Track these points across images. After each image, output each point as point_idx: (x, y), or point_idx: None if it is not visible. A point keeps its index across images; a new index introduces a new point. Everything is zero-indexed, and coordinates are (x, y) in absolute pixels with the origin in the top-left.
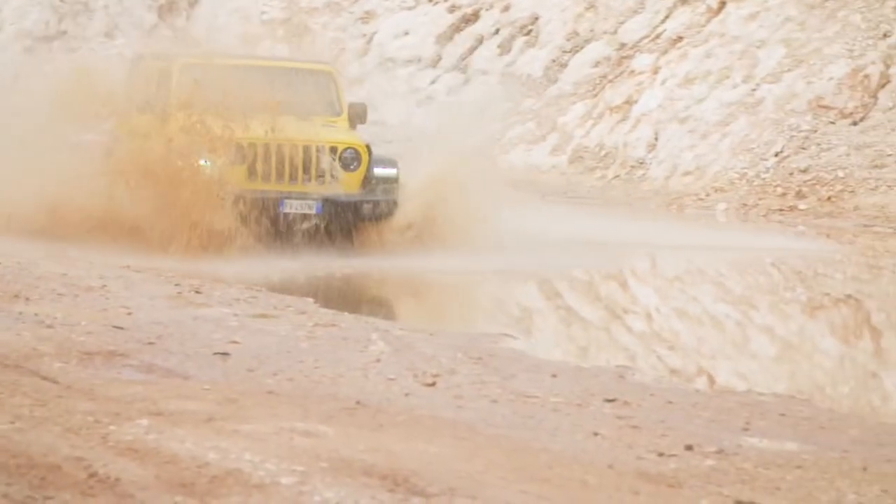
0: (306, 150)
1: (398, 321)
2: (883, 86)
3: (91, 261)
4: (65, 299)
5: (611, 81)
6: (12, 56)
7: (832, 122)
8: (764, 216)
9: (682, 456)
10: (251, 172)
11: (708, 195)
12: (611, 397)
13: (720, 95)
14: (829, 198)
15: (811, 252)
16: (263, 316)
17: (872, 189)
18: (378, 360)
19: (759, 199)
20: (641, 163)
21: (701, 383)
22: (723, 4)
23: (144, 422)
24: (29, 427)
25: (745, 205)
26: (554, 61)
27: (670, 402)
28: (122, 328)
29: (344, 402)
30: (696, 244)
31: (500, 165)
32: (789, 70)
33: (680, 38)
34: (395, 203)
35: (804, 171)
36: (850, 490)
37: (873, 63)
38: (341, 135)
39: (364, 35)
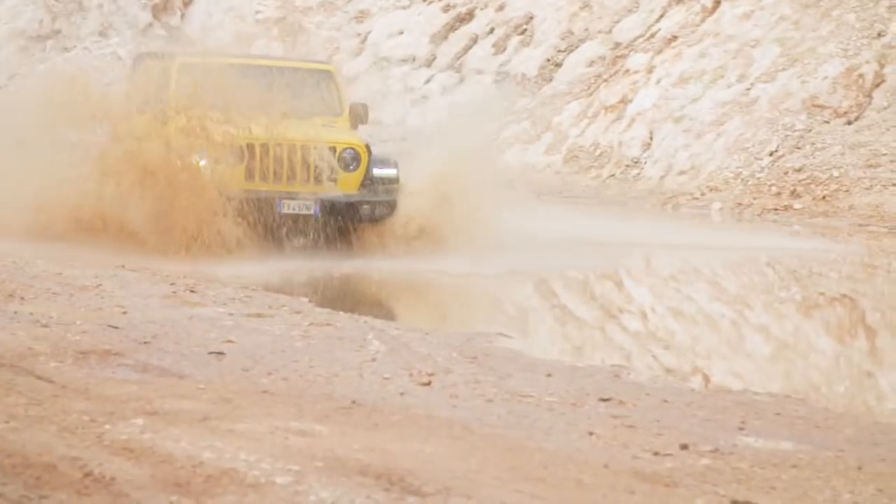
0: (305, 150)
1: (394, 321)
2: (877, 85)
3: (86, 260)
4: (60, 298)
5: (605, 81)
6: (6, 55)
7: (827, 122)
8: (759, 215)
9: (678, 455)
10: (249, 173)
11: (703, 194)
12: (606, 397)
13: (715, 95)
14: (823, 197)
15: (806, 251)
16: (258, 315)
17: (867, 188)
18: (373, 360)
19: (754, 198)
20: (636, 162)
21: (696, 382)
22: (717, 4)
23: (140, 421)
24: (24, 426)
25: (739, 204)
26: (548, 60)
27: (666, 402)
28: (117, 327)
29: (339, 401)
30: (691, 244)
31: (497, 165)
32: (784, 69)
33: (674, 38)
34: (394, 204)
35: (799, 170)
36: (845, 489)
37: (868, 62)
38: (340, 135)
39: (358, 34)
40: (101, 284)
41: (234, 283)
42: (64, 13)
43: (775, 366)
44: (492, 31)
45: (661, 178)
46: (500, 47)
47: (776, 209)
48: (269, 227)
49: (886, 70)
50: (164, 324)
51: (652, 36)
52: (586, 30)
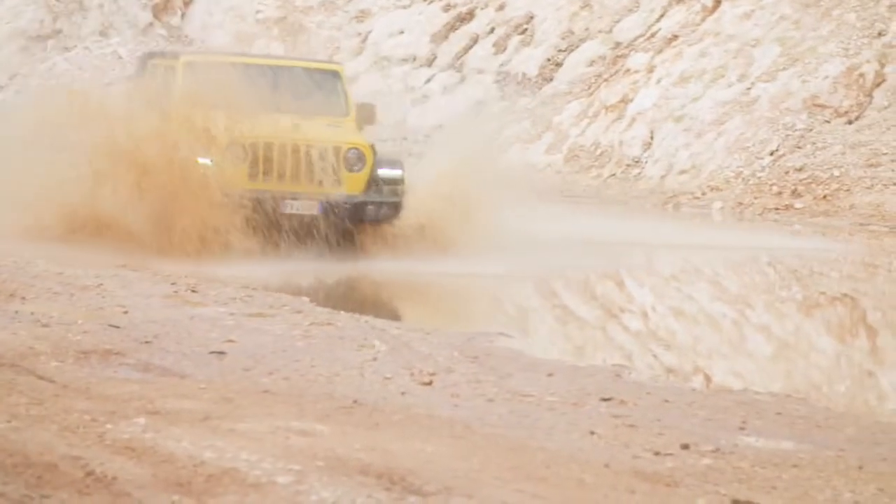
0: (309, 149)
1: (395, 321)
2: (878, 84)
3: (87, 260)
4: (61, 298)
5: (606, 80)
6: (7, 55)
7: (827, 121)
8: (760, 215)
9: (679, 455)
10: (253, 172)
11: (704, 194)
12: (607, 396)
13: (715, 94)
14: (824, 196)
15: (807, 251)
16: (259, 315)
17: (868, 188)
18: (374, 359)
19: (755, 197)
20: (637, 161)
21: (697, 382)
22: (718, 3)
23: (141, 420)
24: (25, 426)
25: (740, 203)
26: (549, 60)
27: (667, 401)
28: (118, 327)
29: (340, 400)
30: (693, 243)
31: (499, 165)
32: (784, 69)
33: (675, 37)
34: (399, 205)
35: (800, 169)
36: (846, 489)
37: (868, 62)
38: (345, 135)
39: (359, 34)
40: (102, 284)
41: (235, 282)
42: (65, 13)
43: (776, 365)
44: (492, 30)
45: (662, 177)
46: (500, 47)
47: (777, 208)
48: (273, 227)
49: (887, 69)
50: (166, 323)
51: (652, 35)
52: (587, 29)
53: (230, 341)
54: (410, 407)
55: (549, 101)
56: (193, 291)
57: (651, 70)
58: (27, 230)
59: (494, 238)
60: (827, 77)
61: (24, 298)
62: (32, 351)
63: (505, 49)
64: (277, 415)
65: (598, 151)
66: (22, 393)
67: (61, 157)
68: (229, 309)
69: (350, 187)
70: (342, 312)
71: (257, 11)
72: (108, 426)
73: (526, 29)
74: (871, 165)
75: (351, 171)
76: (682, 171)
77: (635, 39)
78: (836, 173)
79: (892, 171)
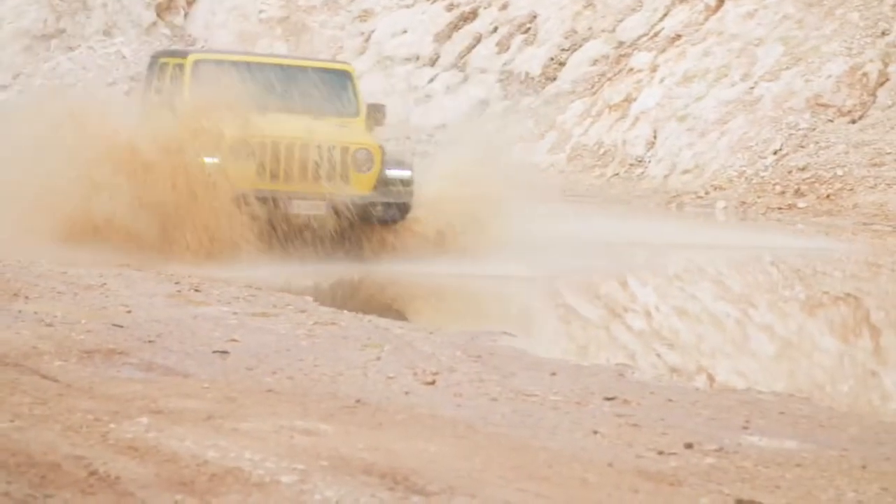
0: (317, 149)
1: (398, 320)
2: (881, 84)
3: (91, 260)
4: (64, 297)
5: (609, 80)
6: (11, 55)
7: (831, 120)
8: (763, 214)
9: (682, 454)
10: (260, 172)
11: (707, 193)
12: (610, 395)
13: (718, 94)
14: (827, 196)
15: (810, 250)
16: (263, 314)
17: (871, 187)
18: (378, 359)
19: (758, 197)
20: (640, 161)
21: (701, 382)
22: (721, 3)
23: (144, 420)
24: (29, 425)
25: (743, 203)
26: (552, 59)
27: (670, 401)
28: (121, 326)
29: (343, 400)
30: (697, 243)
31: (504, 165)
32: (787, 68)
33: (678, 37)
34: (408, 205)
35: (803, 169)
36: (849, 488)
37: (871, 61)
38: (353, 135)
39: (362, 33)
40: (105, 283)
41: (238, 282)
42: (68, 12)
43: (780, 365)
44: (495, 30)
45: (665, 176)
46: (503, 46)
47: (780, 208)
48: (280, 227)
49: (890, 69)
50: (169, 323)
51: (655, 35)
52: (590, 29)
53: (233, 340)
54: (413, 406)
55: (552, 101)
56: (197, 291)
57: (654, 69)
58: (30, 232)
59: (503, 239)
60: (830, 76)
61: (27, 298)
62: (36, 350)
63: (508, 48)
64: (281, 414)
65: (602, 151)
66: (25, 392)
67: (64, 158)
68: (233, 308)
69: (358, 187)
70: (346, 312)
71: (260, 11)
72: (112, 426)
73: (529, 28)
74: (875, 165)
75: (359, 171)
76: (686, 171)
77: (638, 39)
78: (840, 173)
79: None
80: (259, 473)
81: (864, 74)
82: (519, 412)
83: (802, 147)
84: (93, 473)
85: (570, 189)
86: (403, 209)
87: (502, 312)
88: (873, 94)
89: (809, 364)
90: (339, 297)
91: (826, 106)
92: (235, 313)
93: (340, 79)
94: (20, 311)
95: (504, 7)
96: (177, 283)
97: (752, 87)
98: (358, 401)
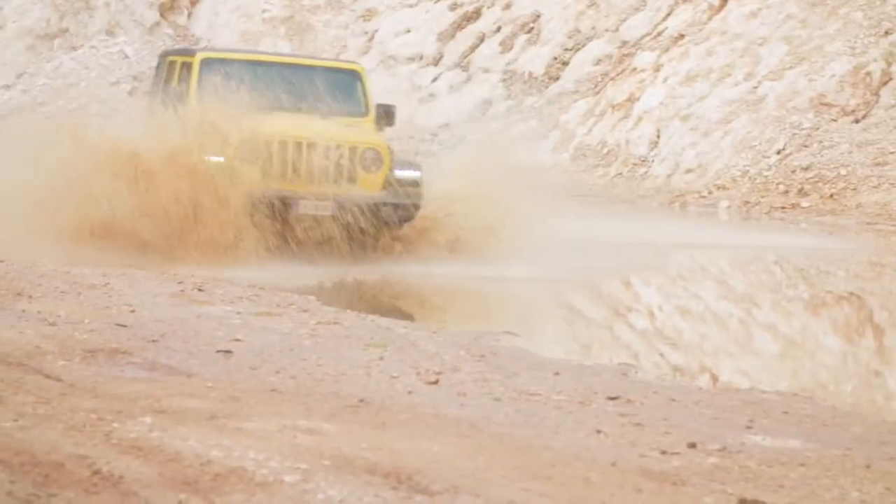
0: (325, 149)
1: (402, 319)
2: (885, 83)
3: (94, 259)
4: (68, 297)
5: (612, 79)
6: (14, 54)
7: (834, 120)
8: (766, 214)
9: (686, 454)
10: (265, 171)
11: (710, 193)
12: (614, 395)
13: (722, 93)
14: (831, 195)
15: (816, 250)
16: (266, 314)
17: (875, 187)
18: (381, 358)
19: (762, 196)
20: (643, 160)
21: (704, 381)
22: (724, 2)
23: (148, 419)
24: (32, 425)
25: (747, 202)
26: (555, 59)
27: (673, 400)
28: (125, 326)
29: (347, 399)
30: (704, 243)
31: (509, 165)
32: (791, 67)
33: (681, 36)
34: (417, 207)
35: (806, 168)
36: (853, 488)
37: (875, 60)
38: (362, 135)
39: (366, 33)
40: (108, 283)
41: (242, 281)
42: (71, 12)
43: (783, 364)
44: (499, 29)
45: (669, 176)
46: (507, 46)
47: (784, 207)
48: (286, 227)
49: (894, 68)
50: (173, 322)
51: (659, 34)
52: (593, 28)
53: (237, 340)
54: (417, 406)
55: (555, 100)
56: (200, 290)
57: (657, 69)
58: (35, 231)
59: (509, 240)
60: (834, 76)
61: (31, 297)
62: (39, 350)
63: (511, 48)
64: (284, 413)
65: (605, 150)
66: (29, 392)
67: (68, 164)
68: (236, 308)
69: (366, 188)
70: (349, 311)
71: (264, 10)
72: (115, 425)
73: (532, 28)
74: (878, 164)
75: (367, 171)
76: (689, 170)
77: (642, 38)
78: (843, 172)
79: None
80: (262, 473)
81: (868, 74)
82: (522, 412)
83: (806, 146)
84: (96, 473)
85: (574, 189)
86: (412, 210)
87: (507, 313)
88: (877, 94)
89: (813, 363)
90: (343, 297)
91: (829, 105)
92: (239, 313)
93: (350, 79)
94: (24, 311)
95: (507, 7)
96: (180, 282)
97: (755, 87)
98: (361, 400)
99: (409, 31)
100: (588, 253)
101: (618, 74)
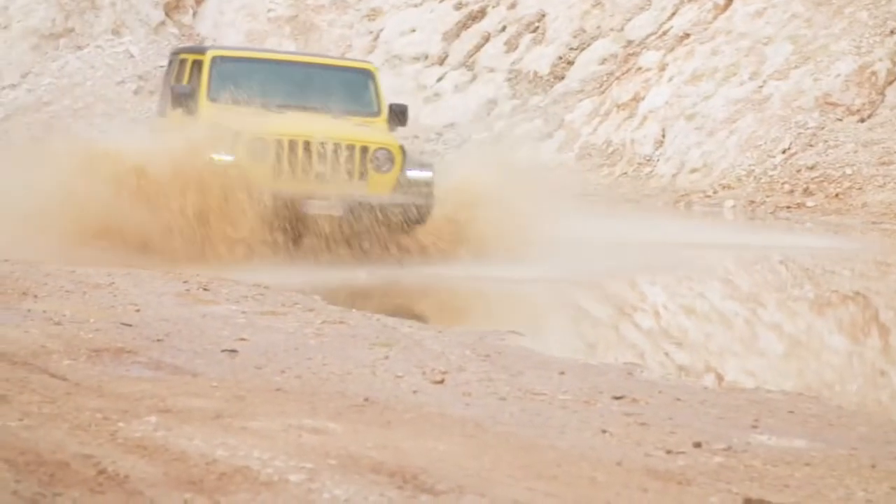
0: (335, 148)
1: (407, 318)
2: (890, 83)
3: (99, 259)
4: (73, 296)
5: (618, 78)
6: (19, 54)
7: (839, 119)
8: (771, 213)
9: (691, 453)
10: (275, 170)
11: (715, 192)
12: (619, 394)
13: (727, 92)
14: (836, 195)
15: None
16: (271, 313)
17: (880, 186)
18: (386, 358)
19: (767, 196)
20: (649, 160)
21: (709, 380)
22: (729, 1)
23: (153, 419)
24: (37, 424)
25: (752, 202)
26: (560, 58)
27: (679, 400)
28: (130, 325)
29: (352, 399)
30: (708, 242)
31: (516, 164)
32: (796, 67)
33: (687, 35)
34: (428, 207)
35: (812, 168)
36: (858, 487)
37: (881, 60)
38: (374, 134)
39: (371, 32)
40: (114, 282)
41: (247, 281)
42: (77, 11)
43: (788, 364)
44: (504, 28)
45: (674, 175)
46: (512, 45)
47: (789, 207)
48: (295, 227)
49: None
50: (178, 322)
51: (664, 34)
52: (598, 27)
53: (242, 339)
54: (422, 405)
55: (560, 100)
56: (205, 290)
57: (663, 68)
58: (40, 236)
59: (509, 239)
60: (839, 75)
61: (36, 296)
62: (45, 349)
63: (516, 47)
64: (289, 413)
65: (610, 150)
66: (34, 391)
67: (72, 162)
68: (241, 307)
69: (377, 188)
70: (354, 311)
71: (269, 10)
72: (120, 424)
73: (537, 27)
74: (884, 163)
75: (379, 171)
76: (694, 170)
77: (647, 37)
78: (849, 171)
79: None
80: (268, 472)
81: (873, 73)
82: (527, 411)
83: (811, 146)
84: (101, 472)
85: (579, 188)
86: (423, 211)
87: (512, 312)
88: (882, 93)
89: (818, 363)
90: (348, 296)
91: (835, 105)
92: (244, 312)
93: (362, 78)
94: (29, 310)
95: (512, 6)
96: (185, 281)
97: (760, 86)
98: (366, 399)
99: (414, 30)
100: (593, 253)
101: (623, 74)
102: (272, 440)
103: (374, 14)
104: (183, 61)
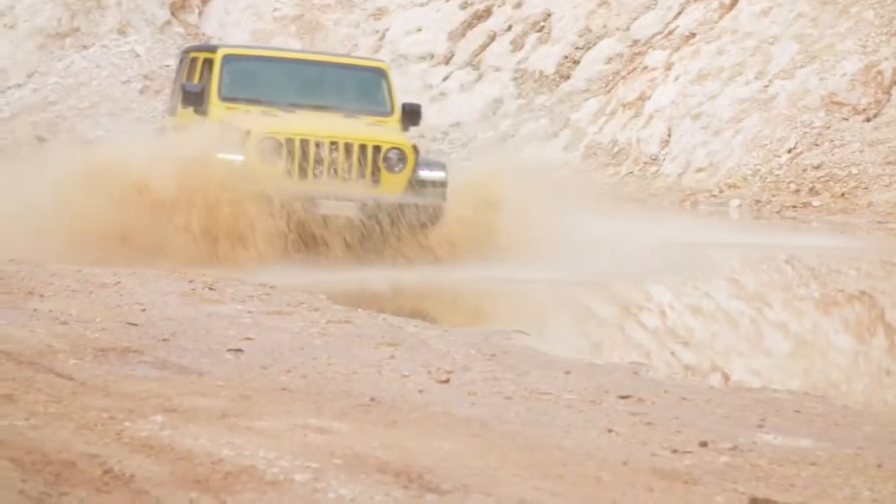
0: (347, 148)
1: (413, 318)
2: None
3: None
4: (79, 296)
5: (623, 78)
6: (25, 53)
7: (845, 119)
8: (777, 213)
9: (697, 452)
10: (287, 169)
11: (721, 192)
12: (625, 394)
13: (733, 92)
14: (842, 194)
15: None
16: (277, 313)
17: (886, 185)
18: (392, 357)
19: (773, 195)
20: (654, 159)
21: (715, 380)
22: (735, 1)
23: (159, 418)
24: (44, 423)
25: (758, 201)
26: (566, 58)
27: (684, 399)
28: (136, 325)
29: (358, 398)
30: (715, 242)
31: (524, 163)
32: (802, 66)
33: (692, 35)
34: (441, 208)
35: (817, 167)
36: (864, 487)
37: (886, 59)
38: (386, 134)
39: (376, 31)
40: (119, 282)
41: (252, 280)
42: (83, 11)
43: (794, 363)
44: (509, 28)
45: (680, 175)
46: (517, 44)
47: (795, 206)
48: (306, 227)
49: None
50: (183, 321)
51: (670, 33)
52: (604, 27)
53: (248, 339)
54: (428, 405)
55: (566, 99)
56: (211, 289)
57: (669, 68)
58: (46, 238)
59: (516, 239)
60: (845, 74)
61: (42, 296)
62: (51, 349)
63: (522, 47)
64: (295, 412)
65: (616, 149)
66: (40, 390)
67: (73, 177)
68: (247, 307)
69: (389, 188)
70: (360, 310)
71: (274, 9)
72: (126, 424)
73: (543, 26)
74: (890, 163)
75: (391, 171)
76: (700, 169)
77: (653, 37)
78: (854, 171)
79: None
80: (273, 472)
81: (879, 73)
82: (533, 411)
83: (817, 145)
84: (107, 471)
85: (584, 187)
86: (436, 212)
87: (520, 313)
88: (888, 93)
89: (824, 362)
90: (354, 296)
91: (841, 104)
92: (250, 312)
93: (375, 77)
94: (35, 310)
95: (518, 5)
96: (191, 281)
97: (766, 86)
98: (372, 399)
99: (419, 29)
100: (599, 253)
101: (629, 73)
102: (278, 439)
103: (379, 13)
104: (194, 60)
